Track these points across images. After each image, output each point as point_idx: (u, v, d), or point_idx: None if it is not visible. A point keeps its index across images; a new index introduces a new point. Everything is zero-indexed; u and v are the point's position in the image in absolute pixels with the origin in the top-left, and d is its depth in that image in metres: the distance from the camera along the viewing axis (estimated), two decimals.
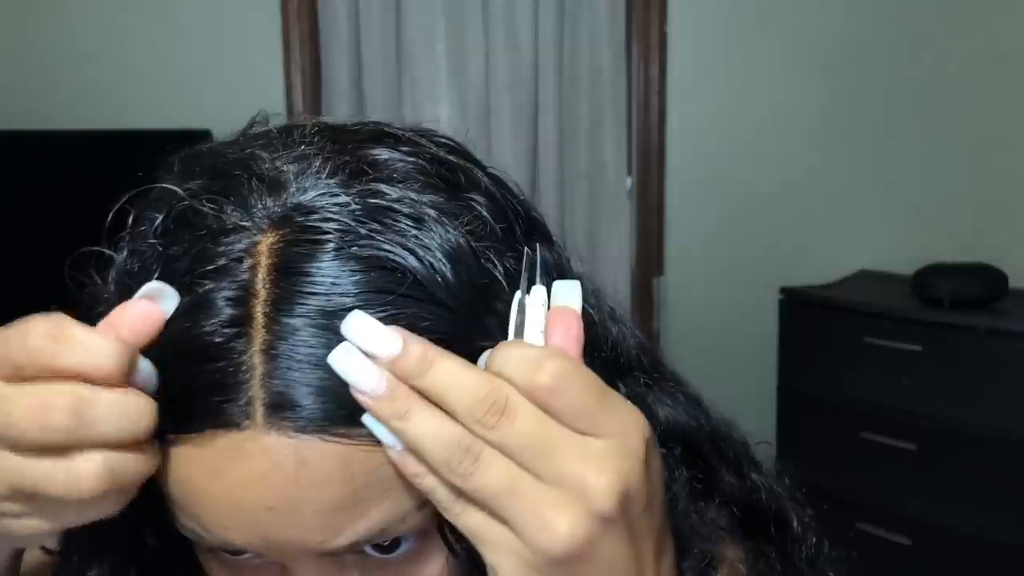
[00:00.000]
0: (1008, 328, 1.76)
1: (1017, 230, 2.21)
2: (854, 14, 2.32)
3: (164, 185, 0.39)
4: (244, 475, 0.33)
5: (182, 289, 0.35)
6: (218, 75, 2.27)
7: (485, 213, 0.39)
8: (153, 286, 0.35)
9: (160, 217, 0.38)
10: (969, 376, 1.80)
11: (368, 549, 0.37)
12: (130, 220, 0.40)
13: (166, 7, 2.27)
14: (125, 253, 0.39)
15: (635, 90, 2.38)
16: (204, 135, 1.94)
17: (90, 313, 0.38)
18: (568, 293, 0.36)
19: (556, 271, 0.42)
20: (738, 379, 2.38)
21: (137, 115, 1.99)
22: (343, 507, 0.34)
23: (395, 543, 0.37)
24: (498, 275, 0.38)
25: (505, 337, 0.36)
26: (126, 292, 0.36)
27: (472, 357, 0.34)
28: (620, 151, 2.35)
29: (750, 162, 2.40)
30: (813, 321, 2.09)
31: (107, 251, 0.40)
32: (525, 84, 2.31)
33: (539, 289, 0.36)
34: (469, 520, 0.32)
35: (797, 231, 2.40)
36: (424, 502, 0.35)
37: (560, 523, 0.30)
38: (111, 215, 0.42)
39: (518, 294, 0.37)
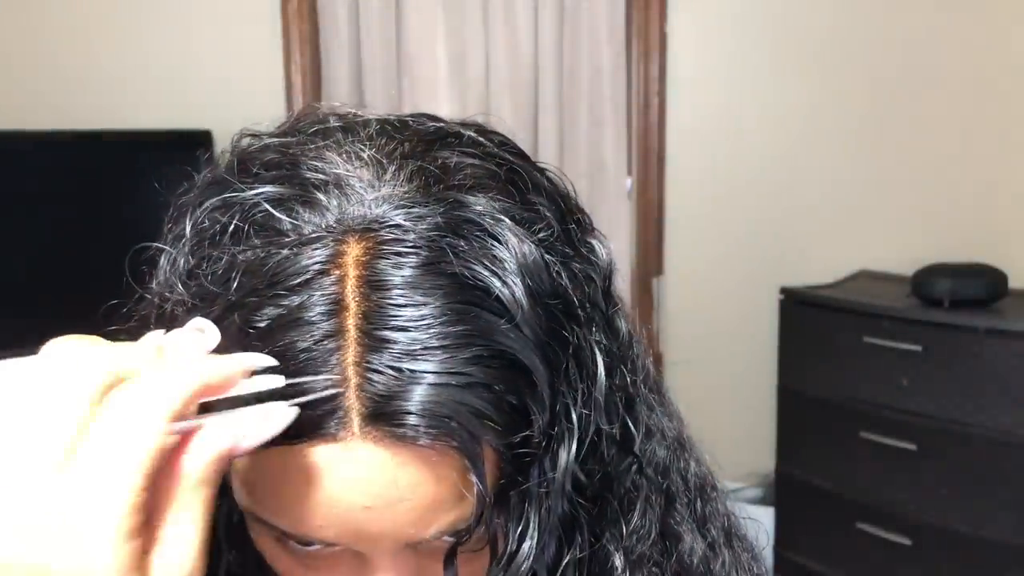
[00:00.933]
0: (1008, 328, 1.76)
1: (1017, 230, 2.21)
2: (855, 14, 2.32)
3: (231, 181, 0.39)
4: (342, 481, 0.35)
5: (267, 301, 0.35)
6: (218, 75, 2.27)
7: (550, 216, 0.40)
8: (201, 322, 0.35)
9: (225, 220, 0.38)
10: (969, 376, 1.80)
11: (445, 536, 0.38)
12: (180, 215, 0.40)
13: (166, 7, 2.27)
14: (186, 250, 0.39)
15: (635, 90, 2.38)
16: (204, 135, 1.94)
17: (161, 307, 0.39)
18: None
19: (611, 270, 0.43)
20: (738, 379, 2.39)
21: (137, 115, 2.00)
22: (435, 505, 0.36)
23: (466, 533, 0.38)
24: (567, 285, 0.38)
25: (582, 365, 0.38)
26: (186, 291, 0.37)
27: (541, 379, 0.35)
28: (620, 151, 2.35)
29: (750, 162, 2.40)
30: (813, 321, 2.09)
31: (164, 246, 0.40)
32: (525, 84, 2.31)
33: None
34: None
35: (797, 231, 2.40)
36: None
37: None
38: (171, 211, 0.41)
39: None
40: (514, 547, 0.37)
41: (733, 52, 2.39)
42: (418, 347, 0.34)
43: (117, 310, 0.41)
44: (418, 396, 0.33)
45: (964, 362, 1.81)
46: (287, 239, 0.36)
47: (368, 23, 2.28)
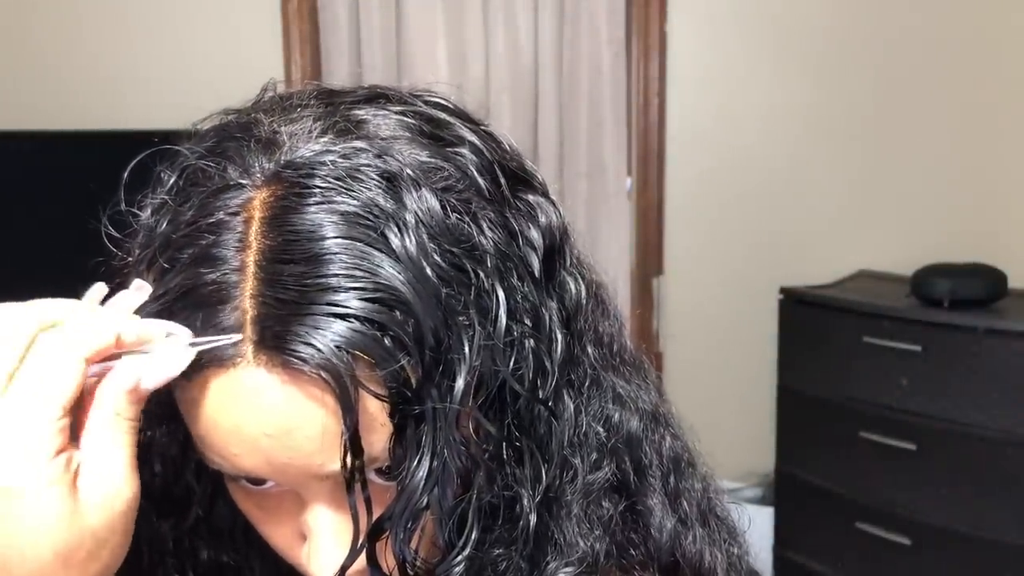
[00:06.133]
0: (1007, 328, 1.76)
1: (1016, 230, 2.21)
2: (855, 14, 2.32)
3: (177, 147, 0.44)
4: (242, 408, 0.38)
5: (185, 241, 0.39)
6: (218, 75, 2.27)
7: (471, 168, 0.42)
8: (139, 282, 0.40)
9: (173, 177, 0.43)
10: (968, 376, 1.80)
11: (372, 475, 0.40)
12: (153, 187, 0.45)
13: (166, 8, 2.27)
14: (149, 210, 0.44)
15: (635, 90, 2.38)
16: None
17: (129, 266, 0.44)
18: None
19: (559, 232, 0.45)
20: (737, 379, 2.39)
21: (137, 115, 1.99)
22: (333, 434, 0.38)
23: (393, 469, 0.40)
24: (473, 232, 0.41)
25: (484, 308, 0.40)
26: (148, 244, 0.42)
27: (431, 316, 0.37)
28: (620, 151, 2.35)
29: (750, 162, 2.40)
30: (813, 321, 2.09)
31: (135, 210, 0.45)
32: (525, 84, 2.31)
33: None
34: None
35: (797, 231, 2.40)
36: None
37: None
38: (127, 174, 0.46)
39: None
40: (408, 478, 0.38)
41: (733, 52, 2.39)
42: (308, 281, 0.37)
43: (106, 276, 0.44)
44: (304, 327, 0.36)
45: (963, 362, 1.81)
46: (209, 188, 0.40)
47: (368, 23, 2.28)
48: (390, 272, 0.37)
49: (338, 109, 0.43)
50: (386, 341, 0.37)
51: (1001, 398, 1.76)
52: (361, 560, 0.40)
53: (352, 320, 0.36)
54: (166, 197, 0.42)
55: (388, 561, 0.40)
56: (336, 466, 0.38)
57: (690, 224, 2.43)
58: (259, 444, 0.38)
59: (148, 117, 1.97)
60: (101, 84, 2.23)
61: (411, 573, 0.40)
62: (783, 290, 2.17)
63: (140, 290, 0.40)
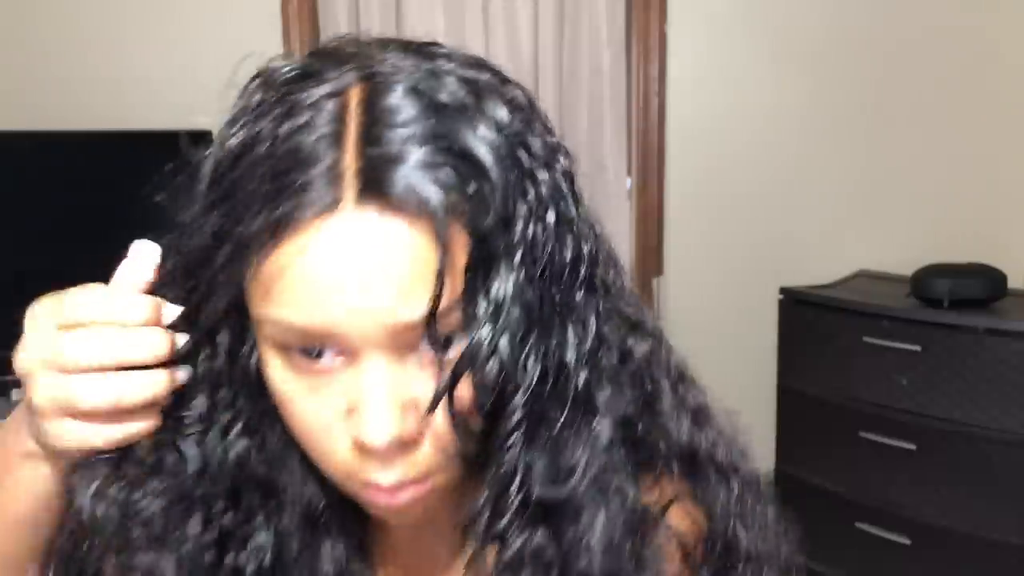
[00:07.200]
0: (1007, 328, 1.76)
1: (1016, 230, 2.21)
2: (854, 14, 2.32)
3: (265, 68, 0.48)
4: (339, 250, 0.42)
5: (281, 122, 0.43)
6: (219, 76, 2.27)
7: (524, 100, 0.49)
8: (139, 243, 0.48)
9: (260, 93, 0.47)
10: (968, 376, 1.80)
11: (425, 348, 0.44)
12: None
13: (167, 8, 2.27)
14: (228, 128, 0.47)
15: (635, 90, 2.38)
16: (204, 135, 1.94)
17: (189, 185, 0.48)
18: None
19: (567, 175, 0.51)
20: (738, 379, 2.38)
21: (137, 115, 1.99)
22: (409, 281, 0.42)
23: (448, 343, 0.44)
24: (528, 136, 0.47)
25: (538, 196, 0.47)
26: (226, 150, 0.46)
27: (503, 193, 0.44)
28: (620, 151, 2.36)
29: (750, 162, 2.41)
30: (812, 321, 2.09)
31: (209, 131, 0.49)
32: (525, 84, 2.30)
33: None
34: None
35: (796, 231, 2.41)
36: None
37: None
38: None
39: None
40: (476, 330, 0.43)
41: (733, 52, 2.39)
42: (405, 137, 0.42)
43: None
44: (402, 176, 0.41)
45: (963, 362, 1.81)
46: (304, 87, 0.45)
47: (368, 23, 2.28)
48: (474, 143, 0.43)
49: (414, 45, 0.48)
50: (469, 194, 0.42)
51: (1001, 398, 1.76)
52: (411, 423, 0.44)
53: (443, 175, 0.42)
54: (258, 98, 0.47)
55: (454, 412, 0.44)
56: (407, 316, 0.42)
57: (690, 224, 2.43)
58: (344, 291, 0.42)
59: (148, 117, 1.97)
60: (101, 84, 2.23)
61: (479, 418, 0.45)
62: (783, 290, 2.17)
63: (141, 252, 0.47)
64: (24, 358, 0.47)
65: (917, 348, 1.86)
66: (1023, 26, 2.20)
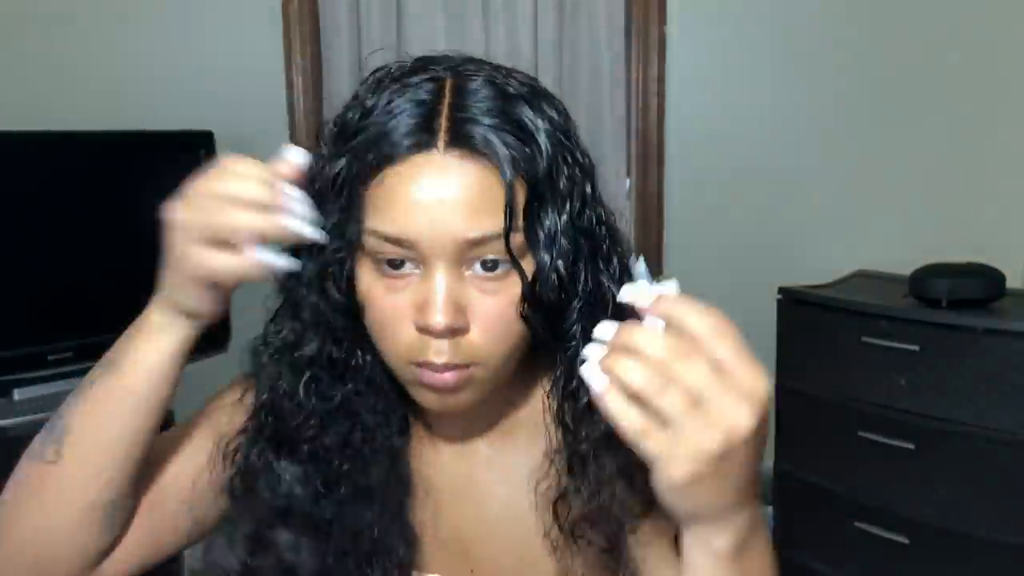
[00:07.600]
0: (1006, 328, 1.76)
1: (1015, 230, 2.22)
2: (854, 14, 2.33)
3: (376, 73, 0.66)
4: (431, 178, 0.59)
5: (389, 96, 0.61)
6: (219, 76, 2.28)
7: (563, 108, 0.67)
8: (286, 148, 0.62)
9: (380, 75, 0.64)
10: (967, 376, 1.80)
11: (478, 268, 0.61)
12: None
13: (167, 8, 2.27)
14: (344, 111, 0.65)
15: (635, 90, 2.38)
16: (206, 136, 1.94)
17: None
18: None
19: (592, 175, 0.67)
20: None
21: (137, 115, 1.99)
22: (478, 207, 0.59)
23: (495, 266, 0.61)
24: (571, 131, 0.66)
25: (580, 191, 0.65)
26: (341, 123, 0.64)
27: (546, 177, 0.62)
28: (619, 151, 2.36)
29: (749, 162, 2.41)
30: (811, 321, 2.09)
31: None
32: None
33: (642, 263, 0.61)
34: (640, 427, 0.50)
35: (795, 231, 2.41)
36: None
37: (716, 432, 0.47)
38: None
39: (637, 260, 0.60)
40: (537, 258, 0.61)
41: (733, 52, 2.39)
42: (483, 109, 0.60)
43: None
44: (479, 132, 0.59)
45: (962, 362, 1.81)
46: (406, 78, 0.63)
47: (368, 23, 2.28)
48: (530, 119, 0.61)
49: (489, 61, 0.66)
50: (527, 153, 0.60)
51: (1000, 398, 1.76)
52: (461, 319, 0.60)
53: (508, 138, 0.59)
54: (368, 86, 0.64)
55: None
56: (473, 234, 0.58)
57: (690, 224, 2.44)
58: (431, 209, 0.58)
59: (148, 117, 1.97)
60: (101, 84, 2.23)
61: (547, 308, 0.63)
62: (781, 290, 2.17)
63: (290, 153, 0.61)
64: (180, 205, 0.60)
65: (916, 348, 1.87)
66: (1023, 26, 2.20)
